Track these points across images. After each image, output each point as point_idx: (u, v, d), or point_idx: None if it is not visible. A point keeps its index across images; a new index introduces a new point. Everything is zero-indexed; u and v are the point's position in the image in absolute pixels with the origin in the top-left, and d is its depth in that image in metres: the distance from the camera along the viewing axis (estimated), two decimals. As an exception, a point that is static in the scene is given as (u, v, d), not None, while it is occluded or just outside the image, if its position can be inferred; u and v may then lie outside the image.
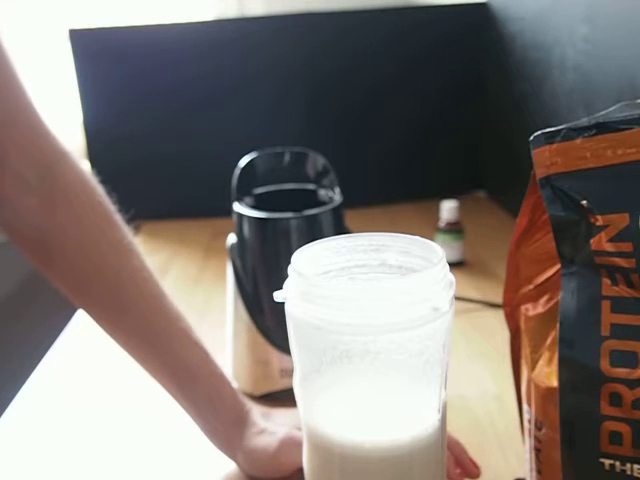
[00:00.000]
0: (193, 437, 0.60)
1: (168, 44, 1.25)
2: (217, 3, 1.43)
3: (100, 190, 0.55)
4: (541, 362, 0.43)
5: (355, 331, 0.37)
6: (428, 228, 1.06)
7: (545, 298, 0.46)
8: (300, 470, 0.48)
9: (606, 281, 0.38)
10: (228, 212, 0.73)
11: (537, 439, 0.44)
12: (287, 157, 0.76)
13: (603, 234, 0.38)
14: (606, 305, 0.38)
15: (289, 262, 0.40)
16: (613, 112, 0.41)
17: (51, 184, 0.53)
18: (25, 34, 1.36)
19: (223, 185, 0.85)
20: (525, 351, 0.46)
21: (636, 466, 0.37)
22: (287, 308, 0.40)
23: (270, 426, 0.57)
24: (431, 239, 0.42)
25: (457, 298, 0.82)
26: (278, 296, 0.40)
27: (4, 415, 0.69)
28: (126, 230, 0.56)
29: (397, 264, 0.43)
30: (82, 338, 0.87)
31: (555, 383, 0.40)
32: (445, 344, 0.39)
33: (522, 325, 0.48)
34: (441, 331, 0.39)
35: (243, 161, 0.74)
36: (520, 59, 1.14)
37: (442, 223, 1.02)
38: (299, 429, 0.51)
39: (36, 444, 0.65)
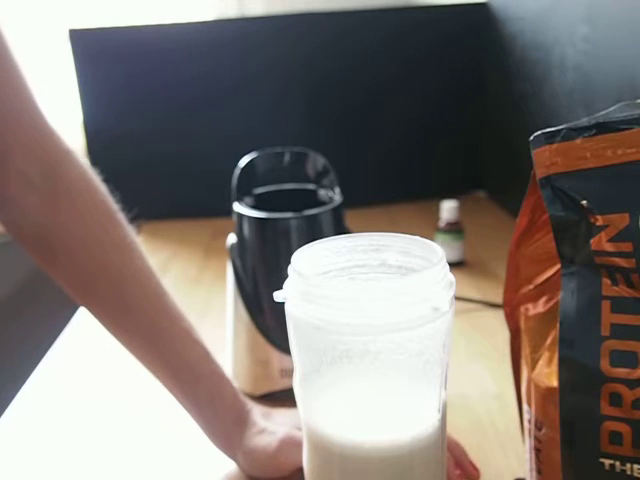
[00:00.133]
0: (193, 437, 0.60)
1: (168, 44, 1.25)
2: (217, 3, 1.43)
3: (103, 189, 0.56)
4: (541, 362, 0.43)
5: (355, 331, 0.37)
6: (428, 228, 1.06)
7: (545, 298, 0.46)
8: (300, 470, 0.48)
9: (606, 281, 0.38)
10: (228, 212, 0.73)
11: (537, 439, 0.44)
12: (287, 157, 0.76)
13: (603, 234, 0.38)
14: (606, 305, 0.38)
15: (289, 262, 0.40)
16: (613, 112, 0.41)
17: (55, 183, 0.53)
18: (25, 34, 1.36)
19: (223, 185, 0.85)
20: (525, 351, 0.46)
21: (636, 466, 0.37)
22: (287, 308, 0.40)
23: (270, 426, 0.57)
24: (431, 239, 0.42)
25: (457, 298, 0.82)
26: (278, 296, 0.40)
27: (4, 415, 0.69)
28: (129, 229, 0.56)
29: (397, 264, 0.43)
30: (82, 338, 0.87)
31: (555, 383, 0.40)
32: (445, 344, 0.39)
33: (522, 325, 0.48)
34: (441, 331, 0.39)
35: (243, 161, 0.74)
36: (520, 59, 1.14)
37: (442, 223, 1.02)
38: (299, 429, 0.51)
39: (36, 444, 0.65)
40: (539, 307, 0.46)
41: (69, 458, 0.62)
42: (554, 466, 0.41)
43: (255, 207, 0.70)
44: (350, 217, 0.74)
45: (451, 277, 0.39)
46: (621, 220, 0.37)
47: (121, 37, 1.26)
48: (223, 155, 1.05)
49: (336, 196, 0.72)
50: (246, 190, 0.74)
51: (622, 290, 0.38)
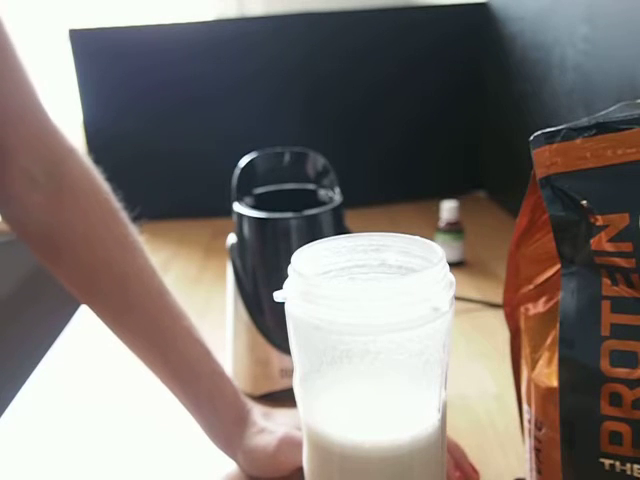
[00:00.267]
0: (194, 437, 0.60)
1: (168, 44, 1.25)
2: (217, 3, 1.42)
3: (106, 187, 0.56)
4: (541, 362, 0.43)
5: (355, 331, 0.37)
6: (428, 228, 1.06)
7: (545, 298, 0.46)
8: (300, 469, 0.48)
9: (606, 281, 0.38)
10: (228, 212, 0.73)
11: (537, 439, 0.44)
12: (287, 157, 0.76)
13: (603, 234, 0.38)
14: (606, 305, 0.38)
15: (289, 262, 0.40)
16: (613, 112, 0.41)
17: (58, 181, 0.53)
18: (25, 34, 1.36)
19: (223, 185, 0.85)
20: (525, 351, 0.46)
21: (636, 466, 0.37)
22: (287, 308, 0.40)
23: (270, 425, 0.57)
24: (431, 239, 0.42)
25: (457, 298, 0.82)
26: (278, 296, 0.40)
27: (4, 415, 0.69)
28: (131, 228, 0.56)
29: (397, 264, 0.43)
30: (83, 338, 0.87)
31: (555, 383, 0.40)
32: (445, 344, 0.39)
33: (522, 325, 0.48)
34: (441, 331, 0.39)
35: (243, 161, 0.74)
36: (520, 59, 1.14)
37: (442, 223, 1.02)
38: (299, 429, 0.51)
39: (36, 444, 0.65)
40: (539, 307, 0.46)
41: (69, 458, 0.62)
42: (554, 466, 0.41)
43: (255, 207, 0.70)
44: (350, 217, 0.74)
45: (451, 277, 0.39)
46: (621, 220, 0.37)
47: (121, 37, 1.26)
48: (223, 155, 1.06)
49: (336, 196, 0.72)
50: (246, 190, 0.74)
51: (622, 290, 0.38)
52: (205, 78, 1.27)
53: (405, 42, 1.29)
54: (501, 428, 0.62)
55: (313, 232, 0.67)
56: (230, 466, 0.58)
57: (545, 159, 0.40)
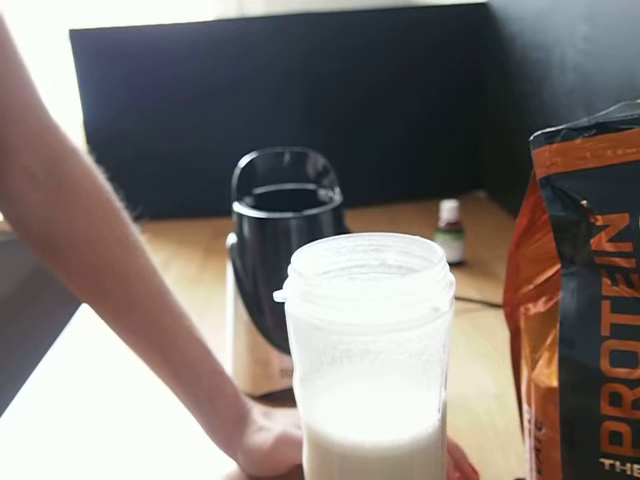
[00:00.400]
0: (194, 437, 0.60)
1: (168, 44, 1.25)
2: (217, 3, 1.42)
3: (108, 187, 0.56)
4: (541, 362, 0.43)
5: (355, 331, 0.37)
6: (428, 228, 1.06)
7: (545, 298, 0.46)
8: (298, 468, 0.48)
9: (606, 281, 0.38)
10: (228, 212, 0.73)
11: (537, 439, 0.44)
12: (287, 157, 0.76)
13: (603, 234, 0.38)
14: (606, 305, 0.38)
15: (289, 262, 0.40)
16: (613, 112, 0.41)
17: (59, 179, 0.53)
18: (25, 34, 1.36)
19: (223, 185, 0.85)
20: (525, 351, 0.46)
21: (636, 466, 0.37)
22: (287, 308, 0.40)
23: (268, 424, 0.57)
24: (431, 239, 0.41)
25: (457, 298, 0.82)
26: (278, 296, 0.40)
27: (4, 415, 0.69)
28: (133, 227, 0.56)
29: (397, 264, 0.43)
30: (83, 338, 0.87)
31: (555, 383, 0.40)
32: (445, 344, 0.39)
33: (522, 325, 0.48)
34: (441, 331, 0.39)
35: (243, 161, 0.74)
36: (520, 59, 1.14)
37: (442, 223, 1.02)
38: (299, 427, 0.51)
39: (36, 444, 0.65)
40: (539, 307, 0.46)
41: (69, 458, 0.62)
42: (554, 466, 0.41)
43: (255, 207, 0.70)
44: (350, 217, 0.74)
45: (451, 277, 0.39)
46: (621, 220, 0.37)
47: (121, 37, 1.25)
48: (223, 155, 1.06)
49: (336, 196, 0.72)
50: (246, 190, 0.74)
51: (622, 290, 0.38)
52: (205, 78, 1.27)
53: (405, 42, 1.29)
54: (501, 428, 0.62)
55: (313, 232, 0.67)
56: (230, 466, 0.58)
57: (545, 159, 0.40)
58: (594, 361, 0.38)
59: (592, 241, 0.38)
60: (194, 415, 0.57)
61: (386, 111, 1.32)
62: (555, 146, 0.40)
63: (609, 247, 0.38)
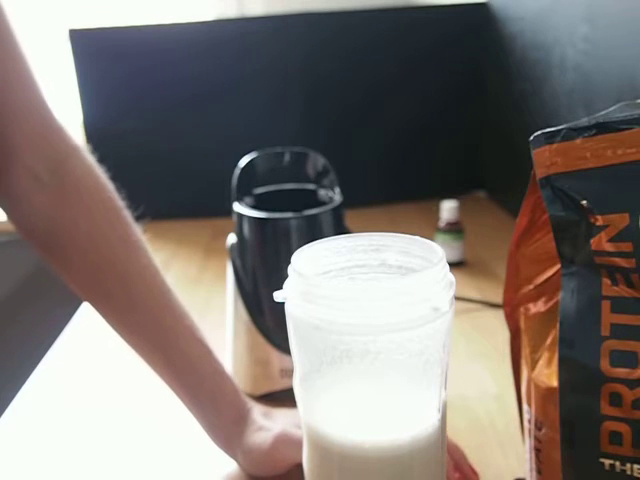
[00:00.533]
0: (194, 437, 0.60)
1: (168, 44, 1.25)
2: (217, 3, 1.42)
3: (110, 186, 0.56)
4: (541, 362, 0.43)
5: (355, 331, 0.37)
6: (428, 228, 1.06)
7: (545, 298, 0.46)
8: (298, 467, 0.48)
9: (606, 281, 0.38)
10: (228, 212, 0.73)
11: (537, 439, 0.44)
12: (287, 157, 0.76)
13: (603, 234, 0.38)
14: (606, 305, 0.38)
15: (289, 262, 0.40)
16: (613, 112, 0.41)
17: (62, 179, 0.53)
18: (25, 34, 1.36)
19: (223, 185, 0.85)
20: (525, 351, 0.46)
21: (636, 466, 0.37)
22: (287, 308, 0.40)
23: (268, 424, 0.57)
24: (431, 239, 0.41)
25: (457, 298, 0.82)
26: (278, 296, 0.40)
27: (4, 415, 0.69)
28: (135, 227, 0.56)
29: (397, 264, 0.43)
30: (83, 338, 0.87)
31: (555, 383, 0.40)
32: (445, 344, 0.39)
33: (522, 325, 0.48)
34: (441, 331, 0.39)
35: (243, 161, 0.74)
36: (520, 59, 1.14)
37: (442, 223, 1.02)
38: (299, 427, 0.51)
39: (36, 444, 0.65)
40: (539, 307, 0.46)
41: (69, 458, 0.62)
42: (554, 466, 0.41)
43: (255, 207, 0.70)
44: (350, 217, 0.74)
45: (451, 277, 0.39)
46: (621, 220, 0.37)
47: (121, 37, 1.25)
48: (223, 155, 1.05)
49: (336, 196, 0.72)
50: (246, 190, 0.74)
51: (622, 290, 0.38)
52: (205, 78, 1.27)
53: (405, 42, 1.29)
54: (501, 428, 0.62)
55: (313, 232, 0.67)
56: (230, 466, 0.58)
57: (545, 159, 0.40)
58: (594, 361, 0.38)
59: (592, 241, 0.38)
60: (194, 415, 0.57)
61: (386, 111, 1.32)
62: (555, 146, 0.40)
63: (609, 247, 0.38)
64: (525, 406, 0.46)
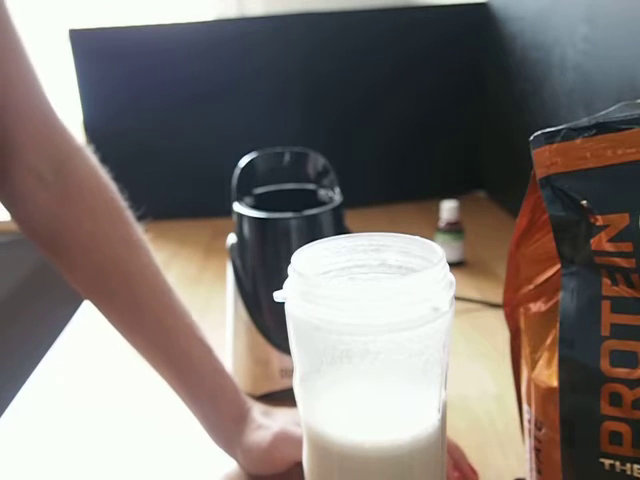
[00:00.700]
0: (194, 437, 0.60)
1: (168, 44, 1.25)
2: (217, 3, 1.42)
3: (112, 186, 0.56)
4: (541, 362, 0.43)
5: (355, 331, 0.37)
6: (428, 228, 1.06)
7: (545, 298, 0.46)
8: (298, 466, 0.48)
9: (606, 281, 0.38)
10: (228, 212, 0.73)
11: (537, 439, 0.44)
12: (287, 157, 0.76)
13: (603, 234, 0.38)
14: (606, 305, 0.38)
15: (289, 262, 0.40)
16: (613, 112, 0.41)
17: (65, 178, 0.54)
18: (25, 34, 1.36)
19: (223, 185, 0.85)
20: (525, 351, 0.46)
21: (636, 466, 0.37)
22: (287, 308, 0.40)
23: (267, 422, 0.57)
24: (431, 239, 0.41)
25: (457, 298, 0.82)
26: (278, 296, 0.40)
27: (4, 415, 0.69)
28: (137, 227, 0.57)
29: (397, 264, 0.43)
30: (83, 337, 0.87)
31: (555, 383, 0.40)
32: (445, 344, 0.39)
33: (522, 325, 0.48)
34: (441, 331, 0.39)
35: (243, 161, 0.74)
36: (520, 59, 1.14)
37: (442, 223, 1.02)
38: (298, 425, 0.51)
39: (36, 444, 0.65)
40: (539, 307, 0.46)
41: (69, 458, 0.62)
42: (554, 466, 0.41)
43: (255, 207, 0.70)
44: (350, 217, 0.74)
45: (451, 277, 0.39)
46: (621, 220, 0.37)
47: (121, 37, 1.25)
48: (223, 155, 1.05)
49: (336, 196, 0.72)
50: (246, 190, 0.74)
51: (622, 290, 0.38)
52: (205, 78, 1.27)
53: (405, 42, 1.29)
54: (501, 428, 0.62)
55: (313, 232, 0.67)
56: (230, 466, 0.58)
57: (545, 159, 0.40)
58: (594, 361, 0.38)
59: (592, 241, 0.38)
60: (194, 414, 0.57)
61: (386, 111, 1.32)
62: (555, 146, 0.39)
63: (609, 247, 0.38)
64: (525, 406, 0.46)
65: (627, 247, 0.37)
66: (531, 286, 0.47)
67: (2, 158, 0.52)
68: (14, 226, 0.56)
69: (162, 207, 1.31)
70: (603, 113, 0.41)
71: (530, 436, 0.45)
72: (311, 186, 0.76)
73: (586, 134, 0.38)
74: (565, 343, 0.39)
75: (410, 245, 0.43)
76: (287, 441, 0.54)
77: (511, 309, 0.50)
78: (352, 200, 0.79)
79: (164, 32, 1.25)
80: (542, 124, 0.44)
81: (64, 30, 1.23)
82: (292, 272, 0.40)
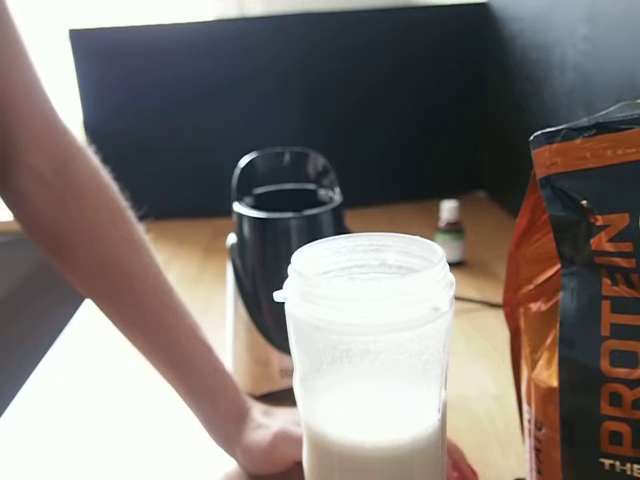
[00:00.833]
0: (194, 437, 0.60)
1: (168, 44, 1.25)
2: (217, 3, 1.42)
3: (113, 186, 0.57)
4: (541, 362, 0.43)
5: (355, 331, 0.37)
6: (428, 228, 1.06)
7: (545, 298, 0.46)
8: (298, 465, 0.48)
9: (606, 281, 0.38)
10: (228, 212, 0.73)
11: (537, 439, 0.44)
12: (287, 157, 0.76)
13: (603, 234, 0.38)
14: (606, 305, 0.38)
15: (289, 262, 0.40)
16: (613, 112, 0.41)
17: (67, 179, 0.54)
18: (25, 34, 1.36)
19: (223, 185, 0.85)
20: (525, 351, 0.46)
21: (636, 466, 0.37)
22: (287, 308, 0.40)
23: (267, 421, 0.57)
24: (431, 239, 0.41)
25: (457, 298, 0.82)
26: (278, 296, 0.40)
27: (4, 415, 0.69)
28: (138, 226, 0.57)
29: (397, 264, 0.43)
30: (83, 337, 0.87)
31: (555, 383, 0.40)
32: (445, 344, 0.39)
33: (522, 325, 0.48)
34: (441, 331, 0.39)
35: (243, 161, 0.74)
36: (520, 59, 1.14)
37: (442, 223, 1.02)
38: (298, 425, 0.51)
39: (36, 444, 0.65)
40: (539, 307, 0.46)
41: (69, 458, 0.62)
42: (554, 466, 0.41)
43: (255, 207, 0.70)
44: (350, 217, 0.74)
45: (451, 277, 0.39)
46: (621, 220, 0.37)
47: (121, 37, 1.26)
48: (223, 155, 1.06)
49: (336, 196, 0.72)
50: (246, 190, 0.74)
51: (622, 290, 0.38)
52: (205, 78, 1.27)
53: (405, 42, 1.29)
54: (501, 428, 0.62)
55: (313, 232, 0.67)
56: (230, 465, 0.58)
57: (545, 159, 0.40)
58: (594, 361, 0.38)
59: (592, 241, 0.38)
60: (195, 413, 0.57)
61: (386, 111, 1.32)
62: (555, 146, 0.39)
63: (609, 247, 0.38)
64: (525, 406, 0.46)
65: (627, 247, 0.37)
66: (531, 286, 0.47)
67: (3, 158, 0.52)
68: (14, 226, 0.56)
69: (162, 207, 1.31)
70: (603, 113, 0.41)
71: (530, 436, 0.45)
72: (311, 186, 0.76)
73: (586, 134, 0.38)
74: (565, 343, 0.39)
75: (410, 245, 0.43)
76: (287, 440, 0.54)
77: (511, 309, 0.50)
78: (352, 200, 0.79)
79: (164, 32, 1.25)
80: (542, 124, 0.44)
81: (64, 30, 1.23)
82: (292, 272, 0.40)
